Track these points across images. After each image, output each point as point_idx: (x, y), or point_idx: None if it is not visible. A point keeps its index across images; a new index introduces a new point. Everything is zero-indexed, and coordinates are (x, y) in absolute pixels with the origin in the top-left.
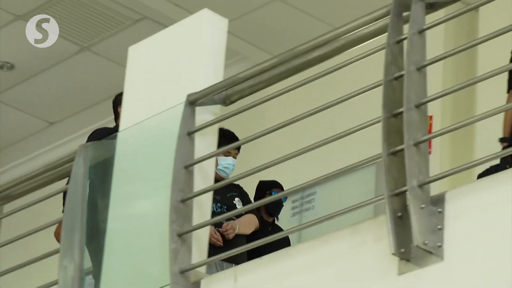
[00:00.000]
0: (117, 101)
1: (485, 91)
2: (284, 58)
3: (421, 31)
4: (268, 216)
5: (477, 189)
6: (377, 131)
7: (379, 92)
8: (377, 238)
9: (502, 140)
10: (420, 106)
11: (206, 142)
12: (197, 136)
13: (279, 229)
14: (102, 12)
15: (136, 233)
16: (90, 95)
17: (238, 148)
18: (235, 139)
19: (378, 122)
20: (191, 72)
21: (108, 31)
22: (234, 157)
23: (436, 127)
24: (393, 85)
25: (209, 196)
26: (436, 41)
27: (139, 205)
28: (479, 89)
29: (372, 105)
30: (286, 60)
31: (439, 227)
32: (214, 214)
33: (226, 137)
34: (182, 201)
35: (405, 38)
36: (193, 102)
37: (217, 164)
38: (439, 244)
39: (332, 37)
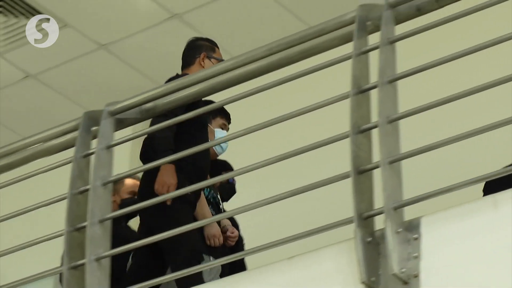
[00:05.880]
0: (202, 47)
1: None
2: None
3: (109, 147)
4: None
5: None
6: None
7: None
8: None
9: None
10: (104, 221)
11: None
12: None
13: None
14: None
15: None
16: None
17: (229, 121)
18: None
19: None
20: None
21: None
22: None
23: None
24: (77, 199)
25: None
26: (122, 157)
27: None
28: None
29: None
30: None
31: None
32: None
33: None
34: None
35: (92, 153)
36: None
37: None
38: None
39: (20, 146)
